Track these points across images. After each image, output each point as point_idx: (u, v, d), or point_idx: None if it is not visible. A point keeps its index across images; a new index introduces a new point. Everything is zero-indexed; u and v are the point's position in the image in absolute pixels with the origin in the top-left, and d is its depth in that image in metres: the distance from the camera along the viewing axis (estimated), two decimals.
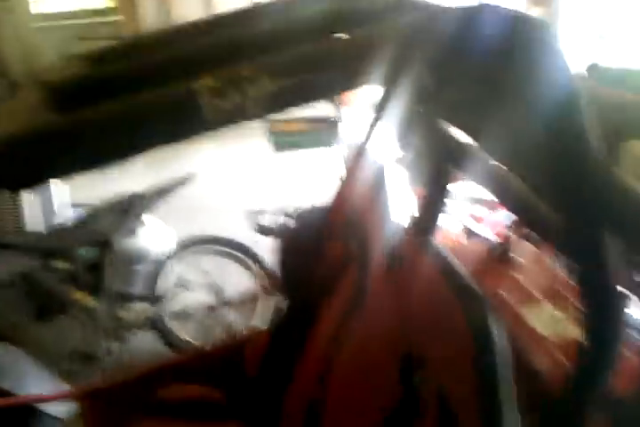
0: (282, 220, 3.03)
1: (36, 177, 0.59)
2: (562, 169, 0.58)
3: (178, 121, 0.61)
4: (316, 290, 1.37)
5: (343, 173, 1.41)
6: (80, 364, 2.38)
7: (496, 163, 0.82)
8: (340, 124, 3.02)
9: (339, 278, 1.28)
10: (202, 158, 4.83)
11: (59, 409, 1.84)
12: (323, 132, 3.01)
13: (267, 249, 3.00)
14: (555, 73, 0.55)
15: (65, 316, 2.47)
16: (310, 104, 0.68)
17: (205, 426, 1.52)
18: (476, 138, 0.83)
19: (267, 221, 3.09)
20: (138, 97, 0.61)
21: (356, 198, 1.29)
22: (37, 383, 1.87)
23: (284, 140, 3.02)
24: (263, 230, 3.05)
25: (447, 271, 0.72)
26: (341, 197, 1.38)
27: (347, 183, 1.37)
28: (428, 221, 0.99)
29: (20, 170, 0.57)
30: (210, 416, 1.55)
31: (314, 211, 1.92)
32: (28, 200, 3.01)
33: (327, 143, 3.04)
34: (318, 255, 1.44)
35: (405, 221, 1.05)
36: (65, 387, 1.99)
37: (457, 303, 0.66)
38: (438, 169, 1.00)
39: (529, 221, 0.84)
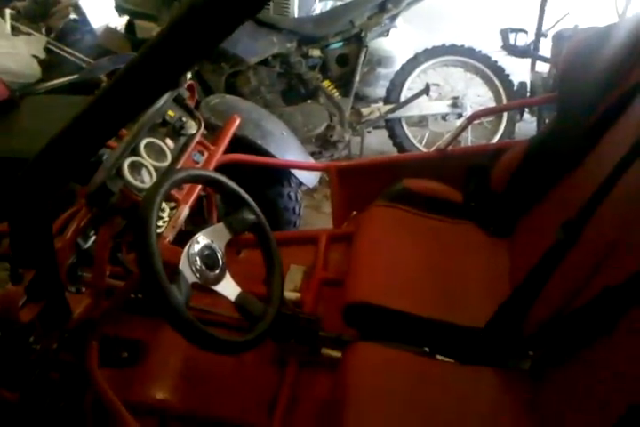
0: (537, 40, 2.77)
1: None
2: None
3: None
4: (603, 111, 1.27)
5: None
6: (321, 147, 2.61)
7: None
8: None
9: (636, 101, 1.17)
10: None
11: (307, 178, 2.08)
12: None
13: (512, 69, 2.83)
14: None
15: (312, 102, 2.65)
16: None
17: (440, 220, 1.61)
18: None
19: (520, 40, 2.85)
20: None
21: None
22: (293, 152, 2.09)
23: None
24: (514, 50, 2.84)
25: None
26: None
27: None
28: None
29: None
30: (446, 212, 1.64)
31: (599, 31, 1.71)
32: None
33: None
34: (606, 75, 1.31)
35: None
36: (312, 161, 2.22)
37: None
38: None
39: None
